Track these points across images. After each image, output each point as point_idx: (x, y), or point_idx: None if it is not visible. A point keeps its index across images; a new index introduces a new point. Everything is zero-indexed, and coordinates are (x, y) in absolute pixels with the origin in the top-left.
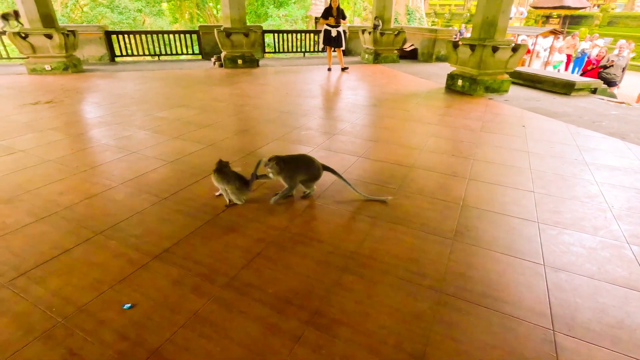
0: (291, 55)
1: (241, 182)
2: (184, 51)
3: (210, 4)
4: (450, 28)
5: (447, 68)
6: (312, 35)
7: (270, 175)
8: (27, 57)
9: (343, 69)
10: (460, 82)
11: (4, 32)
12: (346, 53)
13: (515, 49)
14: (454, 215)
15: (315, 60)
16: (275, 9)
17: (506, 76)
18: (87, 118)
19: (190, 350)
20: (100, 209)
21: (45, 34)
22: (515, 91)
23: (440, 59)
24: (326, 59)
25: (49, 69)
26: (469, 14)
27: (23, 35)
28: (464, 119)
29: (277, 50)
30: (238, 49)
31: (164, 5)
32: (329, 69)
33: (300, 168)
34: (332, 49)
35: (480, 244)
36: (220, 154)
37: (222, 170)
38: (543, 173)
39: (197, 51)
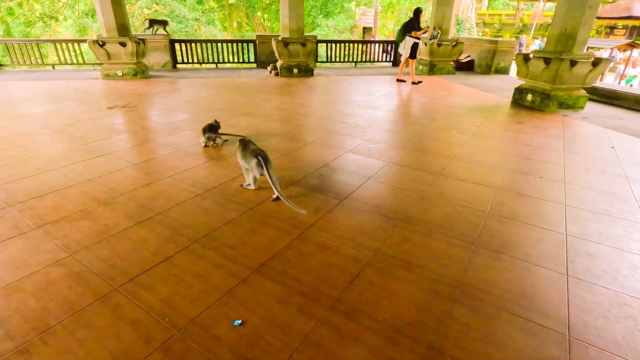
0: (341, 65)
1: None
2: (240, 59)
3: (259, 14)
4: (513, 39)
5: (508, 81)
6: (363, 45)
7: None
8: (102, 64)
9: (416, 82)
10: (529, 96)
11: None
12: (397, 64)
13: (595, 63)
14: (561, 247)
15: (367, 70)
16: (324, 19)
17: (583, 92)
18: (161, 123)
19: None
20: (192, 217)
21: (120, 42)
22: (591, 108)
23: (499, 71)
24: (373, 69)
25: (121, 74)
26: (521, 24)
27: (101, 43)
28: (542, 137)
29: (328, 59)
30: (294, 58)
31: (217, 14)
32: (404, 81)
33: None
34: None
35: (605, 283)
36: (296, 164)
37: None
38: None
39: (252, 59)
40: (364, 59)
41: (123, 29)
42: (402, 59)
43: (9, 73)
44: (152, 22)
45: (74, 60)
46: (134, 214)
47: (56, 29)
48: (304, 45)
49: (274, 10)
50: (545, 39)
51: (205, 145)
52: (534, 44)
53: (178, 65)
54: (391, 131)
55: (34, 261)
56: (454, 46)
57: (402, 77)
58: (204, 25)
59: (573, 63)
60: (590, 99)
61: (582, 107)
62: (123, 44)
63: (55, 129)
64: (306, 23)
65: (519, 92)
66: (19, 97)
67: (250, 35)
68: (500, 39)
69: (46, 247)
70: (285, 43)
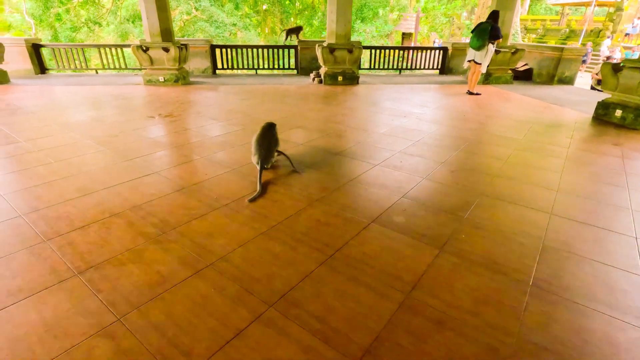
0: (385, 72)
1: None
2: (280, 65)
3: (292, 19)
4: (582, 47)
5: (576, 92)
6: (413, 52)
7: None
8: (145, 69)
9: (474, 94)
10: (619, 112)
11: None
12: (445, 71)
13: None
14: None
15: (413, 79)
16: (362, 24)
17: None
18: (209, 136)
19: None
20: (260, 265)
21: (163, 47)
22: None
23: (562, 81)
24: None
25: (162, 80)
26: (567, 30)
27: (144, 48)
28: None
29: (371, 66)
30: (340, 65)
31: (252, 20)
32: (475, 93)
33: None
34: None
35: None
36: (369, 193)
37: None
38: None
39: (292, 66)
40: (408, 67)
41: (167, 34)
42: (483, 69)
43: (54, 77)
44: (289, 32)
45: (116, 65)
46: (191, 257)
47: (99, 34)
48: (350, 51)
49: (306, 16)
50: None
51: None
52: (614, 52)
53: (217, 71)
54: (468, 152)
55: (74, 328)
56: (513, 53)
57: (474, 91)
58: (241, 30)
59: None
60: None
61: None
62: (166, 49)
63: (99, 140)
64: None
65: (604, 107)
66: (64, 102)
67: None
68: (567, 45)
69: (89, 304)
70: (331, 49)
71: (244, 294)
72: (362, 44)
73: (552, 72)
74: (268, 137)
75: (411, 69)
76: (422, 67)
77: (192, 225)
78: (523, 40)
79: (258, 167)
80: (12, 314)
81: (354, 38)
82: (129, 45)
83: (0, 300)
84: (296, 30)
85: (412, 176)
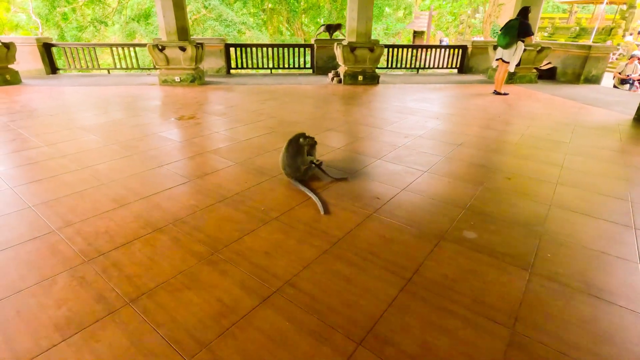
0: (402, 71)
1: None
2: (296, 65)
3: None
4: (609, 44)
5: (605, 92)
6: (423, 50)
7: None
8: (160, 69)
9: (502, 93)
10: None
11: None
12: (464, 70)
13: None
14: None
15: (433, 78)
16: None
17: None
18: (239, 140)
19: None
20: (332, 291)
21: (179, 47)
22: None
23: (589, 80)
24: (438, 76)
25: (178, 80)
26: (577, 28)
27: (160, 47)
28: None
29: (388, 65)
30: (360, 64)
31: (259, 18)
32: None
33: None
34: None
35: None
36: (433, 204)
37: None
38: None
39: (308, 65)
40: (426, 66)
41: (183, 32)
42: (511, 68)
43: (66, 77)
44: (328, 28)
45: (128, 65)
46: (253, 282)
47: (104, 34)
48: (372, 50)
49: (311, 15)
50: None
51: (301, 180)
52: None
53: (232, 71)
54: (519, 157)
55: None
56: (538, 52)
57: (501, 90)
58: (249, 29)
59: None
60: None
61: None
62: (183, 49)
63: (123, 144)
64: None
65: None
66: (80, 104)
67: (291, 39)
68: (594, 43)
69: (150, 342)
70: (352, 48)
71: (325, 328)
72: (386, 43)
73: (579, 71)
74: (290, 152)
75: (428, 68)
76: (439, 66)
77: (245, 242)
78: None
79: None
80: (64, 353)
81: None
82: (141, 45)
83: (48, 336)
84: (336, 27)
85: (467, 184)
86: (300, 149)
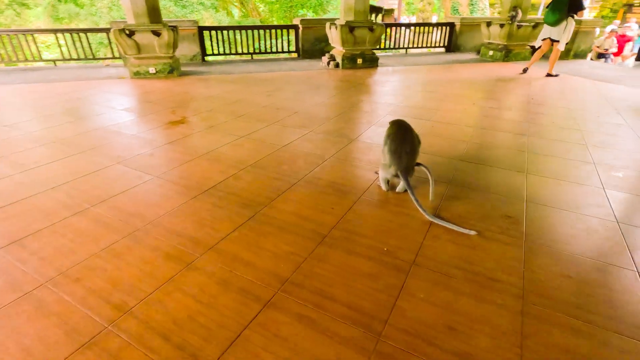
0: (390, 52)
1: None
2: (279, 49)
3: None
4: (595, 19)
5: (605, 67)
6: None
7: None
8: (128, 58)
9: (553, 75)
10: None
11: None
12: (452, 49)
13: None
14: None
15: (428, 58)
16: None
17: None
18: (280, 146)
19: None
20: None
21: (152, 31)
22: None
23: (578, 55)
24: (431, 55)
25: (154, 72)
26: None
27: (128, 32)
28: None
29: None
30: (360, 46)
31: None
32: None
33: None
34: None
35: None
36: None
37: None
38: None
39: (292, 48)
40: (412, 45)
41: (154, 13)
42: (561, 46)
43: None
44: (372, 10)
45: (80, 55)
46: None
47: (26, 18)
48: (372, 30)
49: None
50: None
51: (396, 188)
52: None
53: (207, 57)
54: (605, 147)
55: None
56: (534, 27)
57: (553, 72)
58: (207, 9)
59: None
60: None
61: None
62: (157, 33)
63: (132, 164)
64: (311, 5)
65: None
66: (40, 108)
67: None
68: (584, 18)
69: None
70: (351, 27)
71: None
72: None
73: (569, 46)
74: (409, 139)
75: (414, 47)
76: (425, 45)
77: (405, 311)
78: (492, 14)
79: (402, 182)
80: None
81: (325, 16)
82: (96, 30)
83: None
84: (378, 9)
85: (590, 187)
86: (416, 137)
